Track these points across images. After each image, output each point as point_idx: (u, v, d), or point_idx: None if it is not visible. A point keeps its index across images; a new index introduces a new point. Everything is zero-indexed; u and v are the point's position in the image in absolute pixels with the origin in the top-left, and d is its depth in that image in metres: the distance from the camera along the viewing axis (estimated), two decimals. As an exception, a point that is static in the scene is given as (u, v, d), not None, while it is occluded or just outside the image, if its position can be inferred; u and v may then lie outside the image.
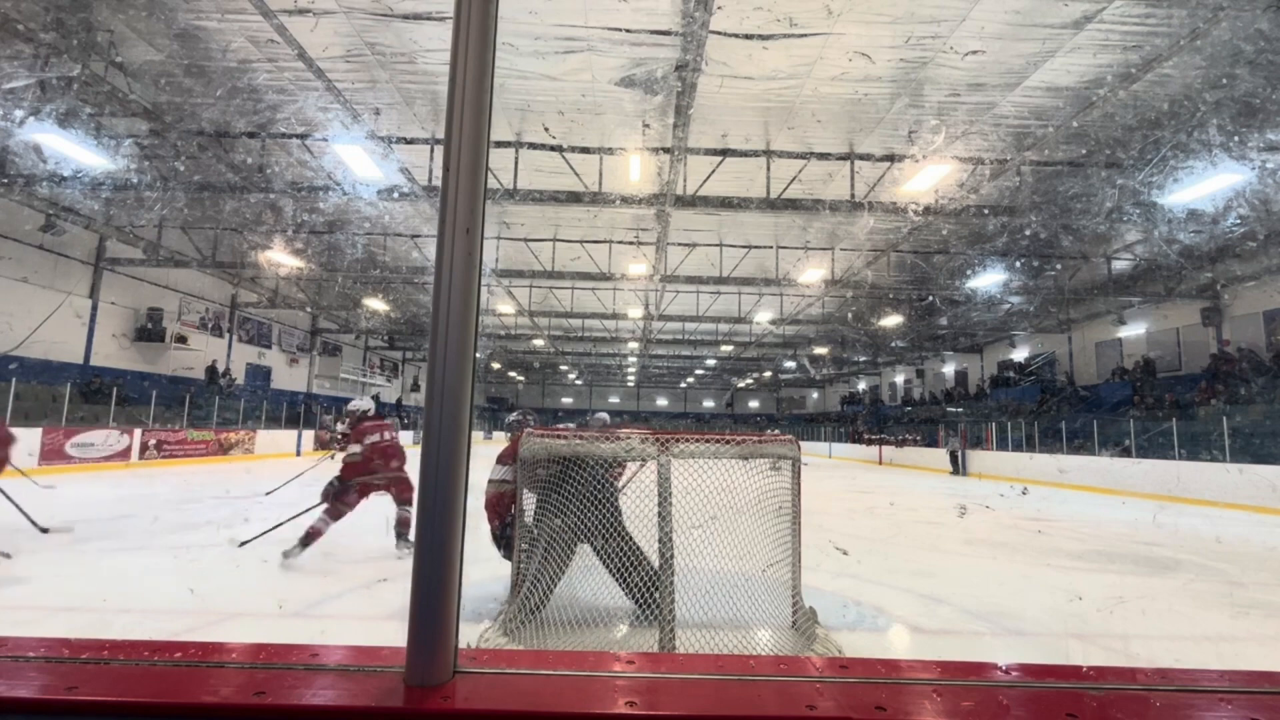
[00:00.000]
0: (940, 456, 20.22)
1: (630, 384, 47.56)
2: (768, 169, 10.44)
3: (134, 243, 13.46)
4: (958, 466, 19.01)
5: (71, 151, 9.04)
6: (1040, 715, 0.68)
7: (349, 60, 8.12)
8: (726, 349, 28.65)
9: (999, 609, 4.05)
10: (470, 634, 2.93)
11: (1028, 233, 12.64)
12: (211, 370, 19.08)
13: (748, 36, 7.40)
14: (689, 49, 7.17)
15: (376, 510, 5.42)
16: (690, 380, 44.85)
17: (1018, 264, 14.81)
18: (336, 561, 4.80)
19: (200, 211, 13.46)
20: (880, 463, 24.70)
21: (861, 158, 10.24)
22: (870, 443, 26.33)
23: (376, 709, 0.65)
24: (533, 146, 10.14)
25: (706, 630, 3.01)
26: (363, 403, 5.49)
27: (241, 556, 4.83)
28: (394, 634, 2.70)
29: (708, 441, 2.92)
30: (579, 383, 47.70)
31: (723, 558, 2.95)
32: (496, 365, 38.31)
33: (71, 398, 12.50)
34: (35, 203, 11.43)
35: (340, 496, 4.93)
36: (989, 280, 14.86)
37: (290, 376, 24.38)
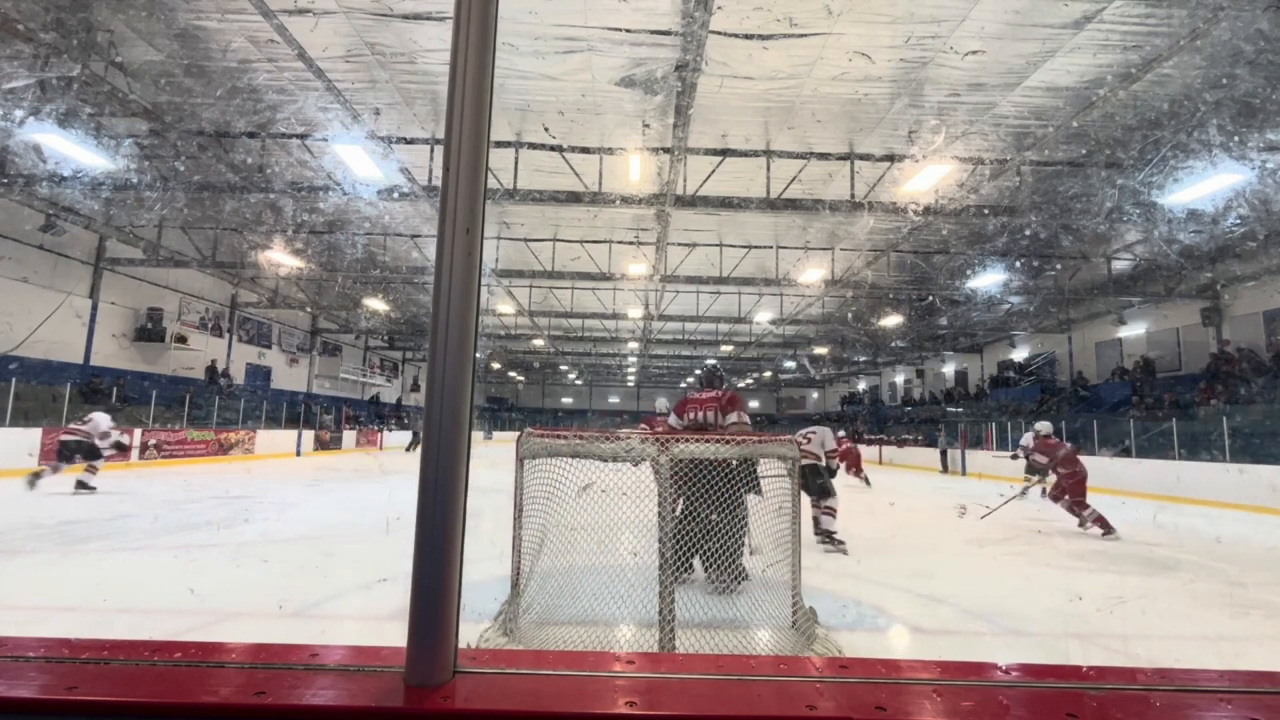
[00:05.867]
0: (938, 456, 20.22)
1: (630, 384, 47.56)
2: (768, 169, 10.43)
3: (134, 243, 13.45)
4: (946, 465, 19.40)
5: (71, 151, 9.03)
6: (1040, 715, 0.68)
7: (349, 60, 8.12)
8: (726, 349, 28.64)
9: (999, 609, 4.05)
10: (470, 634, 2.93)
11: (1028, 233, 12.64)
12: (211, 370, 19.08)
13: (748, 36, 7.40)
14: (689, 49, 7.17)
15: (376, 510, 5.43)
16: (690, 380, 44.85)
17: (1018, 264, 14.81)
18: (336, 561, 4.80)
19: (200, 211, 13.46)
20: (880, 463, 24.69)
21: (861, 158, 10.24)
22: (870, 443, 26.33)
23: (376, 709, 0.65)
24: (533, 146, 10.13)
25: (706, 630, 3.01)
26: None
27: (241, 556, 4.83)
28: (394, 634, 2.70)
29: (708, 441, 2.92)
30: (579, 383, 47.70)
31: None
32: (496, 365, 38.31)
33: (71, 398, 12.50)
34: (35, 203, 11.43)
35: None
36: (989, 280, 14.86)
37: (290, 376, 24.39)
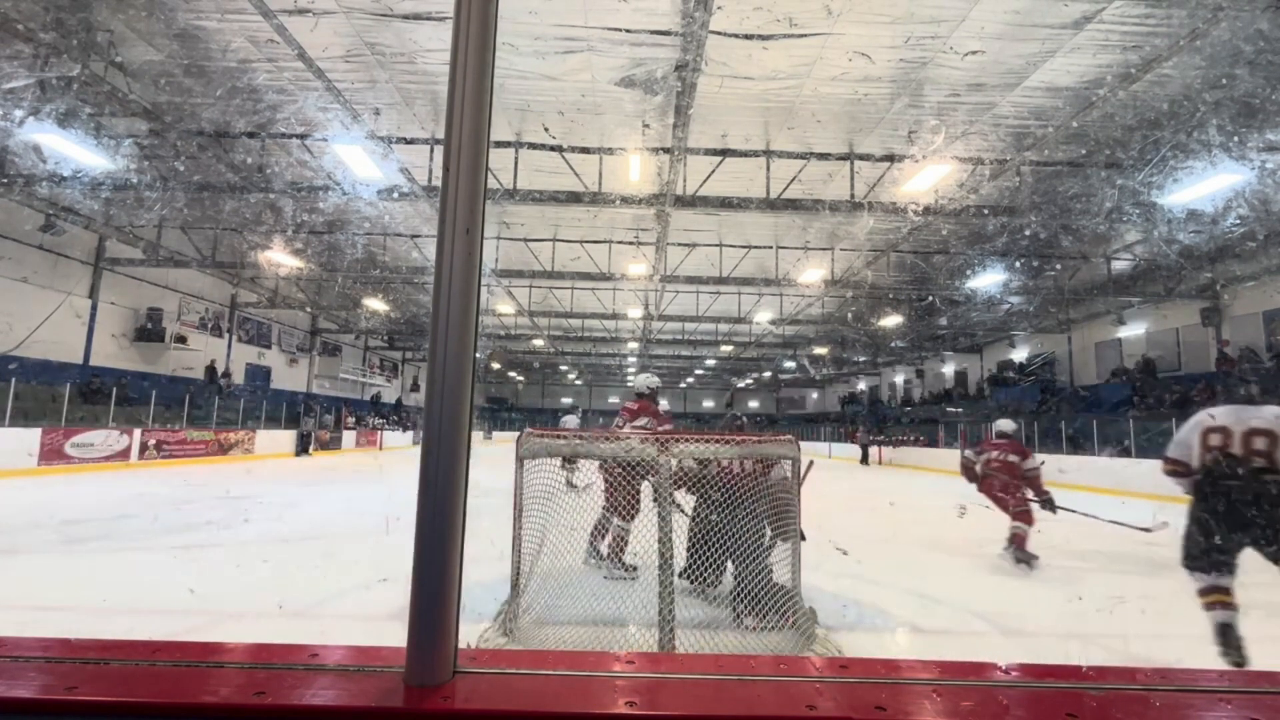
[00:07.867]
0: (940, 456, 20.21)
1: (630, 384, 47.55)
2: (768, 169, 10.43)
3: (134, 243, 13.45)
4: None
5: (71, 151, 9.03)
6: (1040, 715, 0.68)
7: (349, 60, 8.12)
8: (726, 349, 28.63)
9: (999, 609, 4.05)
10: (470, 634, 2.93)
11: (1028, 233, 12.64)
12: (211, 370, 19.07)
13: (748, 36, 7.40)
14: (689, 49, 7.17)
15: (377, 510, 5.43)
16: (690, 380, 44.84)
17: (1018, 264, 14.81)
18: (336, 561, 4.80)
19: (200, 211, 13.45)
20: (880, 463, 24.68)
21: (861, 158, 10.24)
22: (869, 443, 26.34)
23: (376, 709, 0.65)
24: (533, 146, 10.13)
25: (706, 630, 3.02)
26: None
27: (241, 556, 4.83)
28: (394, 634, 2.69)
29: (708, 441, 2.92)
30: (579, 383, 47.69)
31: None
32: (496, 365, 38.31)
33: (71, 398, 12.48)
34: (35, 203, 11.42)
35: None
36: (989, 280, 14.85)
37: (290, 376, 24.37)
